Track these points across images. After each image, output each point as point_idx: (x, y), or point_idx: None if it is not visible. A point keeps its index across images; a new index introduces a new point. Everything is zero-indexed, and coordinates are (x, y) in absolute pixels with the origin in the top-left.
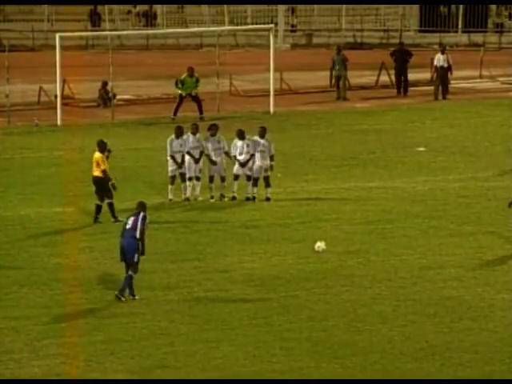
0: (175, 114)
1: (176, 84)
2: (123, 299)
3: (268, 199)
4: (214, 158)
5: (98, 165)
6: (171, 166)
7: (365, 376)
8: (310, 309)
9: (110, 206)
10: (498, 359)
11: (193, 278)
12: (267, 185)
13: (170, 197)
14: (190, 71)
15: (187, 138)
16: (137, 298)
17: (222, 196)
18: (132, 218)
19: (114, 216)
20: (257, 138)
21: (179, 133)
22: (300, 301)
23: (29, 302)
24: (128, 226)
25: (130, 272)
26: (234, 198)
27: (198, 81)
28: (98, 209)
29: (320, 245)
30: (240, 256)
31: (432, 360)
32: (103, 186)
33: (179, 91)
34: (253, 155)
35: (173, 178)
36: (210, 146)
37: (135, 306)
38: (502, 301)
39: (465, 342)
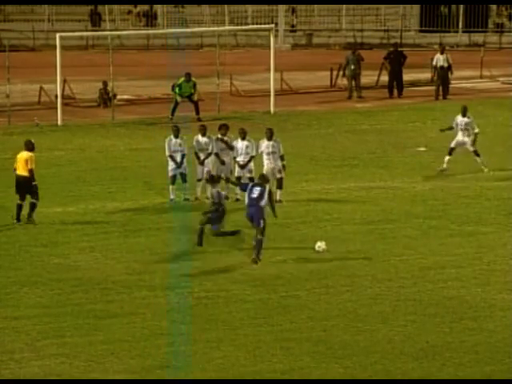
0: (172, 114)
1: (173, 88)
2: (258, 261)
3: (279, 201)
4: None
5: (26, 164)
6: (170, 166)
7: (365, 376)
8: (311, 309)
9: (33, 205)
10: (498, 359)
11: (193, 278)
12: (280, 186)
13: (172, 196)
14: (187, 76)
15: (196, 139)
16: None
17: (226, 198)
18: (258, 189)
19: (29, 215)
20: (263, 140)
21: (177, 132)
22: (300, 301)
23: (29, 301)
24: (254, 195)
25: (259, 236)
26: (237, 200)
27: (195, 85)
28: (19, 208)
29: (320, 245)
30: (241, 256)
31: (432, 360)
32: (29, 186)
33: (176, 96)
34: (252, 157)
35: (173, 177)
36: (218, 146)
37: (135, 305)
38: (502, 301)
39: (465, 342)
